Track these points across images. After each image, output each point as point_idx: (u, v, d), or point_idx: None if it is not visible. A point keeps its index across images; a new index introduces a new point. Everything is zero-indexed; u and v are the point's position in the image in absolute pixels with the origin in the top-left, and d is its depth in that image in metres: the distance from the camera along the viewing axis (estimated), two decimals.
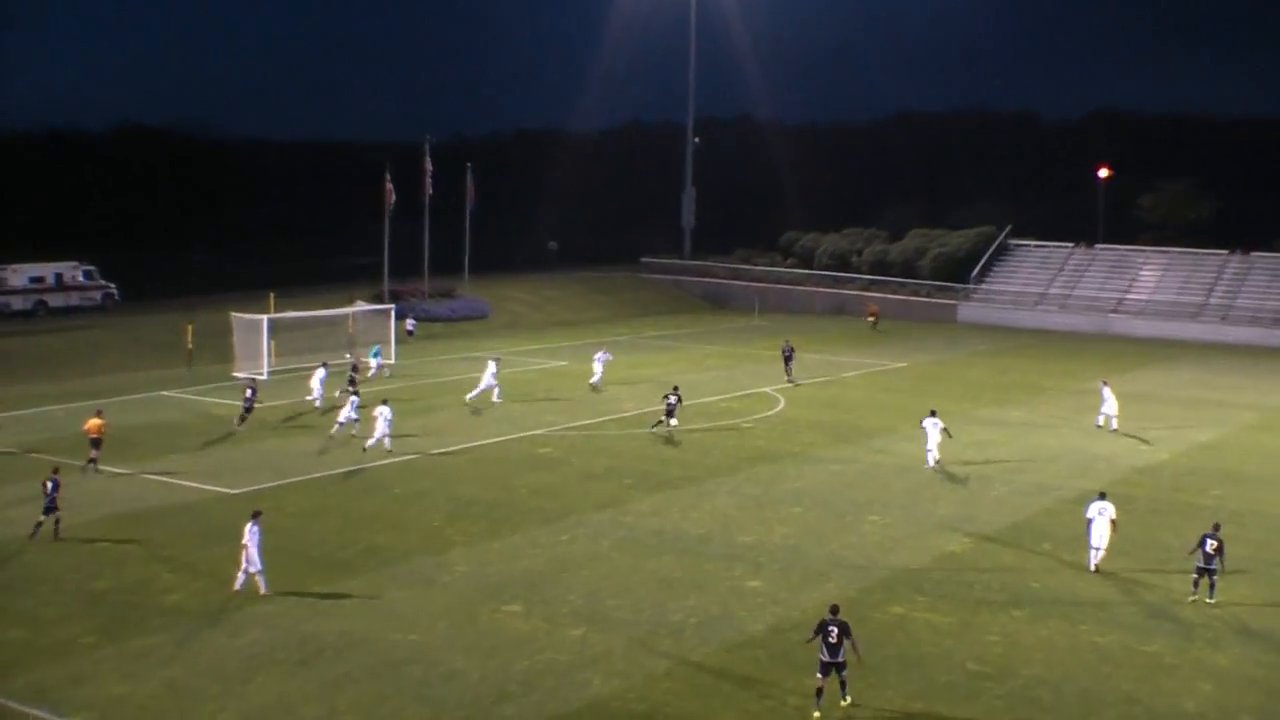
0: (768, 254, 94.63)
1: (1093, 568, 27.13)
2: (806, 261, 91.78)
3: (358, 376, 45.71)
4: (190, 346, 53.52)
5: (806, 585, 25.86)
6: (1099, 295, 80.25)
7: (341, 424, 38.87)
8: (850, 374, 56.21)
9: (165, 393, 47.73)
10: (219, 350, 53.97)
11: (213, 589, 24.90)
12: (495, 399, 45.70)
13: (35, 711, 19.35)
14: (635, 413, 45.03)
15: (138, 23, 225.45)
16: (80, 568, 26.24)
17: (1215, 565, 25.27)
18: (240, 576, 24.46)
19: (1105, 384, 44.75)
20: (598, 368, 50.09)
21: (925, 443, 37.02)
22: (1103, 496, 27.79)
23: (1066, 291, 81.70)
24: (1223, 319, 75.13)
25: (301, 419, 42.51)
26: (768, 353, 62.38)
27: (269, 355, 51.93)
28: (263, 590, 24.37)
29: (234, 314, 53.84)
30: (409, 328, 63.72)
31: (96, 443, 34.38)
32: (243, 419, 40.87)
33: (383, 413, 37.13)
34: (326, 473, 34.97)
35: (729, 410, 45.92)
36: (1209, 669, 22.15)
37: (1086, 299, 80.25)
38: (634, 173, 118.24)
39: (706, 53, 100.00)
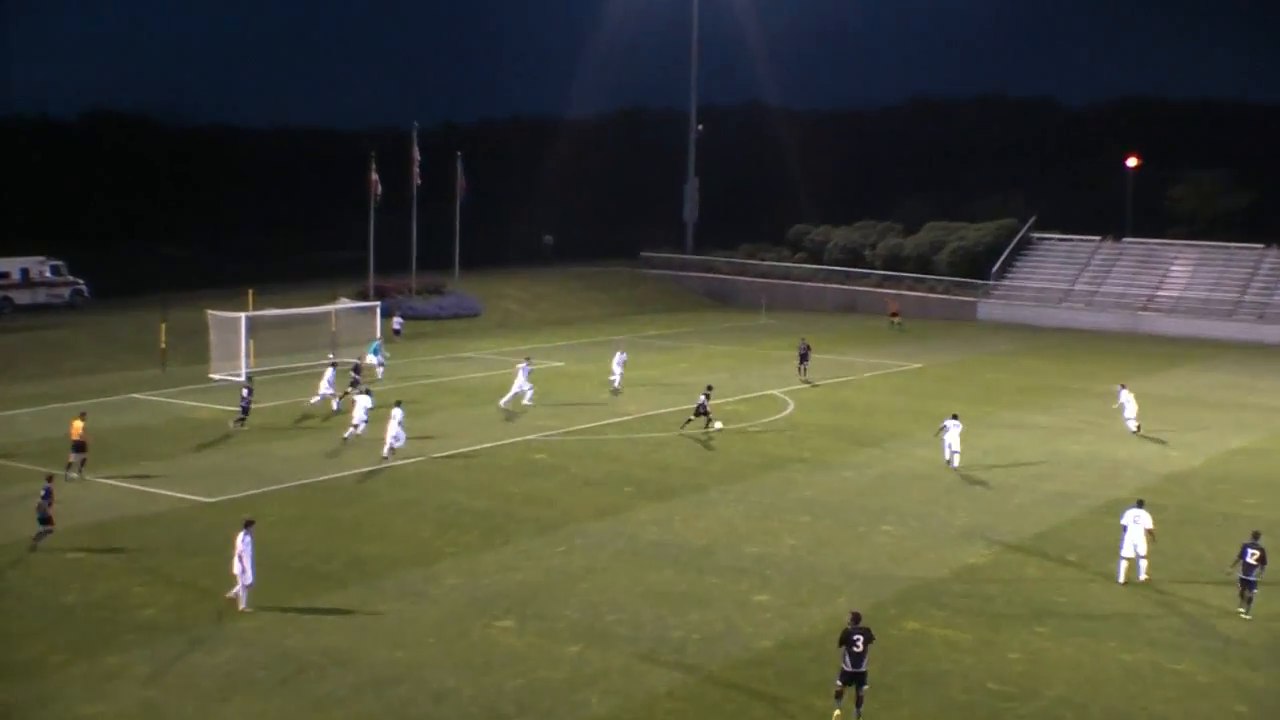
0: (775, 248, 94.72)
1: (1121, 579, 27.16)
2: (816, 256, 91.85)
3: (360, 378, 45.94)
4: (164, 346, 53.54)
5: (817, 599, 25.87)
6: (1127, 292, 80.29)
7: (356, 426, 39.42)
8: (863, 375, 56.23)
9: (137, 395, 47.74)
10: (194, 350, 53.98)
11: (188, 603, 24.91)
12: (526, 402, 45.87)
13: None
14: (636, 416, 45.06)
15: (104, 1, 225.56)
16: (48, 581, 26.24)
17: (1255, 577, 25.27)
18: (242, 594, 24.51)
19: (1123, 387, 44.92)
20: (617, 369, 50.33)
21: (944, 444, 37.54)
22: (1140, 504, 27.83)
23: (1093, 288, 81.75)
24: (1259, 317, 75.15)
25: (287, 422, 42.48)
26: (774, 353, 62.40)
27: (247, 355, 51.95)
28: (241, 606, 24.38)
29: (210, 312, 53.85)
30: (395, 326, 63.78)
31: (79, 446, 34.60)
32: (240, 420, 41.20)
33: (396, 415, 37.53)
34: (308, 480, 34.98)
35: (734, 414, 45.93)
36: (1245, 689, 22.15)
37: (1114, 296, 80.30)
38: (634, 162, 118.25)
39: (710, 35, 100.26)
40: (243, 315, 52.39)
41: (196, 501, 32.62)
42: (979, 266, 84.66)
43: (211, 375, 51.82)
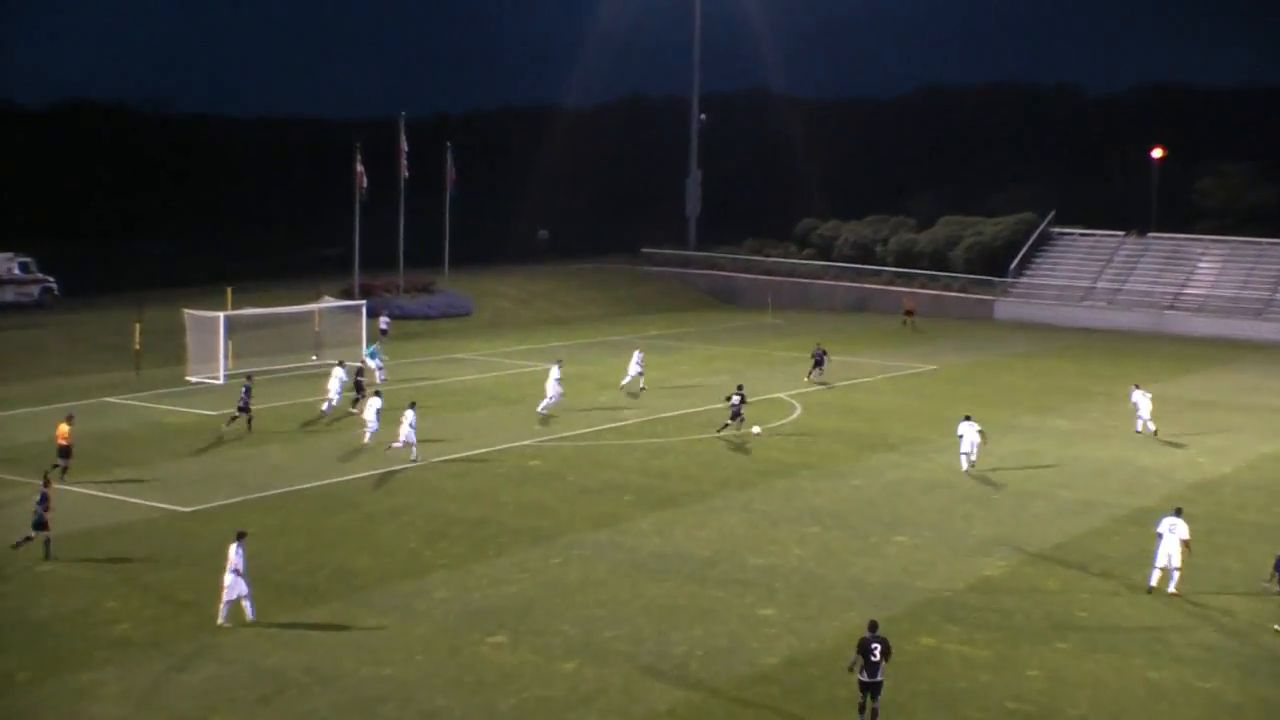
0: (782, 244, 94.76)
1: (1151, 584, 27.22)
2: (825, 252, 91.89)
3: (365, 380, 46.07)
4: (138, 347, 53.51)
5: (826, 614, 25.85)
6: (1152, 290, 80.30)
7: (373, 429, 39.72)
8: (874, 377, 56.22)
9: (111, 399, 47.70)
10: (170, 351, 53.97)
11: (164, 618, 24.88)
12: (549, 400, 45.98)
13: None
14: (635, 421, 45.04)
15: None
16: (16, 594, 26.21)
17: None
18: (247, 605, 24.53)
19: (1136, 387, 45.08)
20: (635, 369, 50.63)
21: (961, 446, 37.83)
22: (1178, 512, 27.83)
23: (1116, 286, 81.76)
24: None
25: (268, 426, 42.44)
26: (780, 353, 62.42)
27: (226, 357, 51.93)
28: (220, 619, 24.36)
29: (187, 311, 53.82)
30: (382, 326, 63.74)
31: (65, 451, 34.80)
32: (233, 419, 41.52)
33: (407, 416, 37.80)
34: (291, 488, 34.95)
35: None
36: (1277, 709, 22.11)
37: (1138, 294, 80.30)
38: (633, 154, 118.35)
39: (714, 18, 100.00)
40: (221, 315, 52.35)
41: (173, 511, 32.57)
42: (996, 263, 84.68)
43: (188, 378, 51.79)
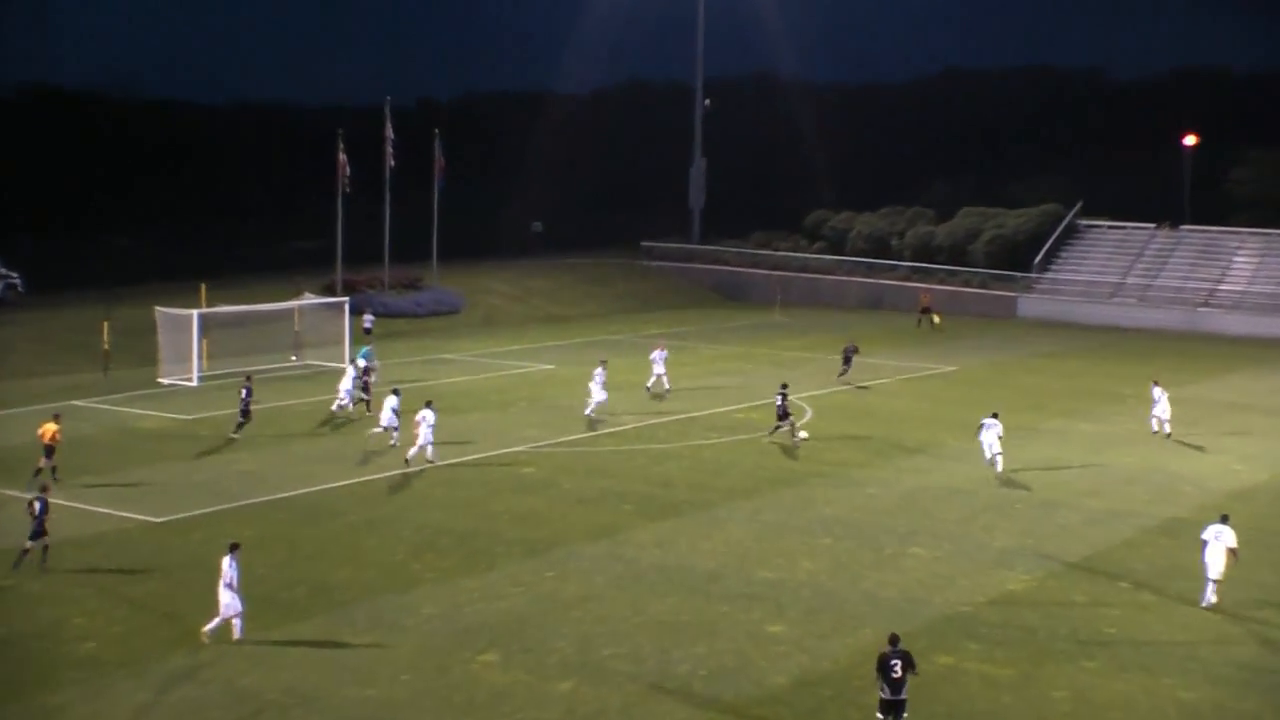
0: (791, 237, 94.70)
1: (1211, 598, 27.33)
2: (837, 246, 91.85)
3: (370, 381, 46.33)
4: (107, 347, 53.51)
5: (838, 631, 25.85)
6: (1185, 286, 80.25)
7: (386, 428, 40.18)
8: (890, 379, 56.22)
9: (78, 402, 47.71)
10: (141, 351, 53.98)
11: (134, 635, 24.88)
12: (596, 403, 46.24)
13: None
14: (634, 425, 45.05)
15: None
16: None
17: None
18: (237, 623, 24.52)
19: (1156, 384, 45.28)
20: (658, 368, 50.85)
21: (983, 446, 38.14)
22: (1224, 519, 27.92)
23: (1146, 281, 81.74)
24: None
25: (262, 429, 42.47)
26: (789, 354, 62.44)
27: (200, 357, 51.94)
28: (206, 632, 24.37)
29: (158, 309, 53.86)
30: (366, 325, 63.74)
31: (50, 451, 35.11)
32: (239, 426, 41.70)
33: (425, 417, 37.96)
34: (269, 496, 34.97)
35: (746, 423, 45.92)
36: None
37: (1170, 290, 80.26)
38: (633, 142, 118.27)
39: None
40: (195, 312, 52.37)
41: (144, 521, 32.60)
42: (1019, 257, 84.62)
43: (160, 379, 51.81)
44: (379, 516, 33.26)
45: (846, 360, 54.92)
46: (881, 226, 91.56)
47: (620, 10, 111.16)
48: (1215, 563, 27.29)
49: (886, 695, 20.35)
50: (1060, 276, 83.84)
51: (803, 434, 42.59)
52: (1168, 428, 43.95)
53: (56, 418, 36.61)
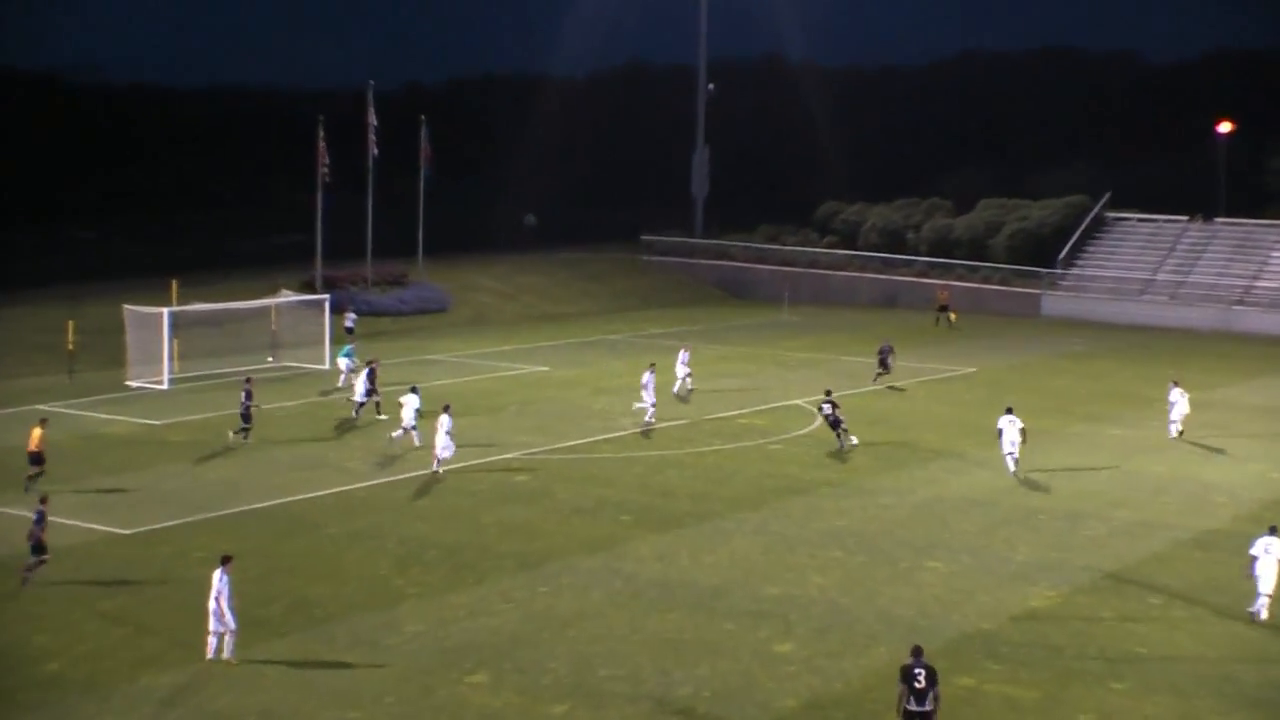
0: (800, 231, 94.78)
1: (1262, 615, 27.37)
2: (849, 240, 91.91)
3: (374, 383, 46.45)
4: (72, 348, 53.51)
5: (850, 650, 25.85)
6: (1219, 282, 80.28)
7: (407, 429, 40.84)
8: (905, 381, 56.23)
9: (41, 406, 47.60)
10: (108, 352, 53.99)
11: (101, 655, 24.86)
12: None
13: None
14: (633, 431, 45.05)
15: None
16: None
17: None
18: (211, 640, 24.49)
19: (1176, 384, 45.45)
20: (682, 369, 51.25)
21: (1002, 446, 38.28)
22: (1273, 531, 27.93)
23: (1179, 278, 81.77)
24: None
25: (215, 438, 42.48)
26: (798, 355, 62.45)
27: (170, 359, 51.94)
28: (226, 655, 24.34)
29: (126, 307, 53.85)
30: (348, 324, 63.75)
31: (37, 458, 35.53)
32: (245, 431, 41.76)
33: (443, 422, 38.25)
34: (244, 507, 34.96)
35: (751, 428, 45.92)
36: None
37: (1204, 287, 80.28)
38: (633, 129, 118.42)
39: None
40: (165, 311, 52.36)
41: (111, 533, 32.59)
42: (1043, 252, 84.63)
43: (128, 382, 51.80)
44: (361, 529, 33.24)
45: (883, 362, 55.14)
46: (896, 219, 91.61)
47: None
48: (1268, 576, 27.31)
49: (911, 706, 20.34)
50: (1087, 273, 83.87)
51: (853, 439, 42.68)
52: (1178, 428, 44.31)
53: (43, 422, 36.93)
